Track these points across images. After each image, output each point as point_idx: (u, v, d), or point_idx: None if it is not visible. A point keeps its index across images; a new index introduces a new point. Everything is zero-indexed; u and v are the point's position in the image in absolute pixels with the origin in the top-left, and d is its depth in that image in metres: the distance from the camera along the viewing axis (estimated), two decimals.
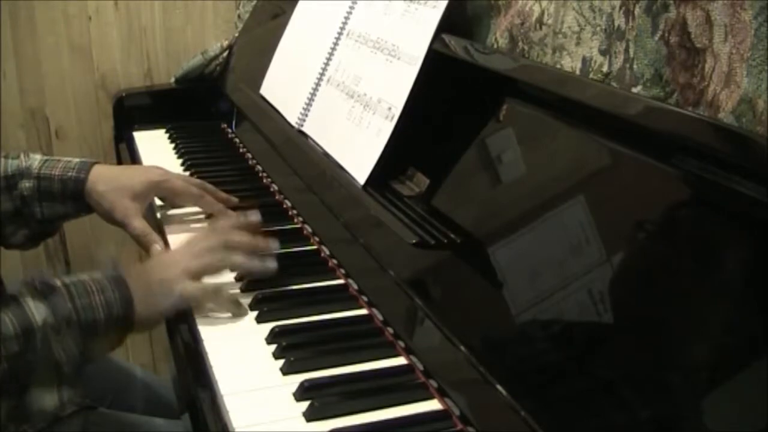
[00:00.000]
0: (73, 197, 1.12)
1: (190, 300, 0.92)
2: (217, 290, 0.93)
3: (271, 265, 0.96)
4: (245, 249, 0.96)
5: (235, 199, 1.20)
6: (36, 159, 1.14)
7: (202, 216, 1.19)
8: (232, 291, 0.96)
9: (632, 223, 0.70)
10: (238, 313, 0.92)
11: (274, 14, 1.66)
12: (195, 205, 1.18)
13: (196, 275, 0.92)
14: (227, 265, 0.95)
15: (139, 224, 1.09)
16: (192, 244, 0.97)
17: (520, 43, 1.02)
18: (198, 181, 1.21)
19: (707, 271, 0.61)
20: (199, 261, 0.93)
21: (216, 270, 0.94)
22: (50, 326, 0.80)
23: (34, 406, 0.79)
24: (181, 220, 1.19)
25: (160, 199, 1.20)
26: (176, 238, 1.11)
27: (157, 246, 1.07)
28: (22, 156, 1.14)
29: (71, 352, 0.81)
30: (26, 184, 1.11)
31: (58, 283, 0.84)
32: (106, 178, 1.12)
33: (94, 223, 1.92)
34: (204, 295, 0.92)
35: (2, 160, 1.13)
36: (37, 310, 0.80)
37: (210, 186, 1.19)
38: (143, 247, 1.09)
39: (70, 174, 1.12)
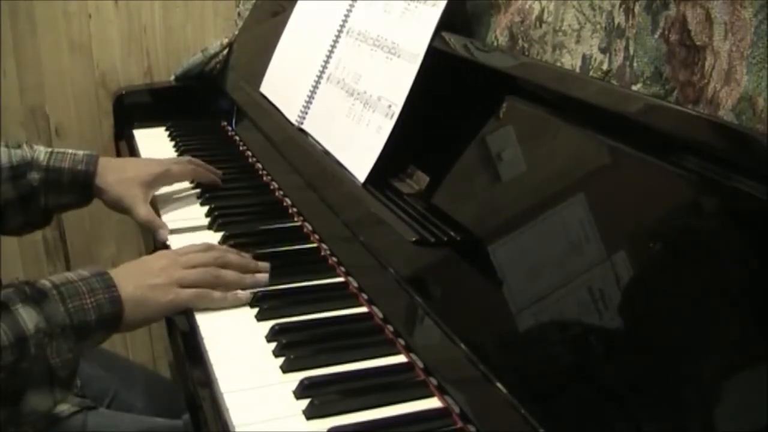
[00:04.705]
0: (81, 188, 1.18)
1: (183, 307, 0.91)
2: (208, 293, 0.92)
3: (263, 280, 0.96)
4: (238, 269, 0.96)
5: (219, 172, 1.30)
6: (41, 151, 1.18)
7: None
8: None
9: (632, 220, 0.70)
10: (236, 305, 0.92)
11: (274, 12, 1.66)
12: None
13: (189, 287, 0.91)
14: (221, 283, 0.93)
15: (146, 211, 1.16)
16: (187, 253, 0.96)
17: (520, 41, 1.02)
18: (185, 159, 1.31)
19: (707, 269, 0.61)
20: (193, 274, 0.92)
21: (209, 285, 0.92)
22: (43, 332, 0.79)
23: (26, 409, 0.79)
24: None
25: None
26: (168, 216, 1.21)
27: (163, 231, 1.14)
28: (24, 146, 1.18)
29: (65, 356, 0.80)
30: (35, 176, 1.15)
31: (48, 284, 0.83)
32: (115, 170, 1.20)
33: (94, 223, 1.93)
34: (196, 299, 0.91)
35: (3, 149, 1.15)
36: (29, 317, 0.78)
37: (197, 160, 1.30)
38: (151, 232, 1.17)
39: (80, 167, 1.17)
